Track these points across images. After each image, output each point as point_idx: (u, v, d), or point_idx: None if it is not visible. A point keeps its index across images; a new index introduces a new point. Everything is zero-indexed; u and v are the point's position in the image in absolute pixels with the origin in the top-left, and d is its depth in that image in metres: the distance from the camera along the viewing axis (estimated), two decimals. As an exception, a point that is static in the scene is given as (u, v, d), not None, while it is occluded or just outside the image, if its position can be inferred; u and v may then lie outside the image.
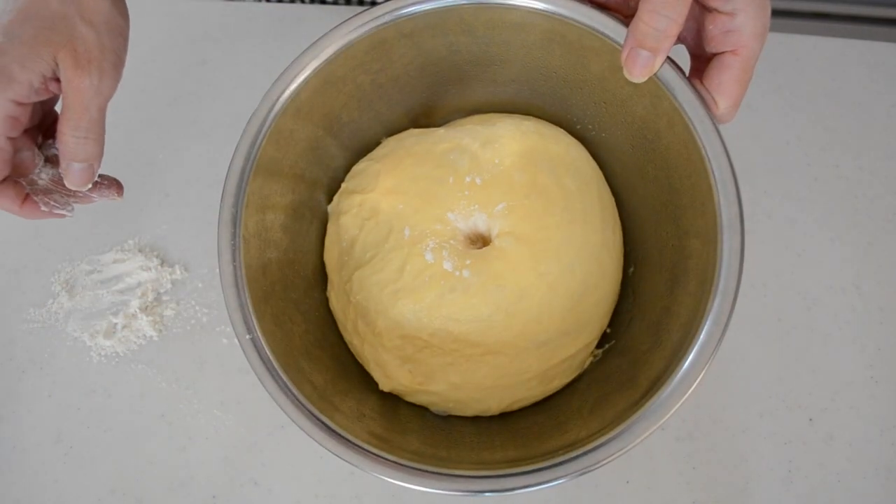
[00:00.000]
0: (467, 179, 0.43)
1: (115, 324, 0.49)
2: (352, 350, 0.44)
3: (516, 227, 0.42)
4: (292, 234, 0.43)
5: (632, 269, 0.45)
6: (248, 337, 0.36)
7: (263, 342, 0.36)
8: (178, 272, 0.51)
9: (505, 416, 0.43)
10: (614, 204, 0.46)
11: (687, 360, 0.34)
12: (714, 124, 0.36)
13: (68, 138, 0.38)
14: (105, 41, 0.39)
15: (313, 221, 0.45)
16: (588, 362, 0.43)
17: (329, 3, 0.66)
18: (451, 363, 0.41)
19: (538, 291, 0.41)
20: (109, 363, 0.48)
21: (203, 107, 0.58)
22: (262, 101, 0.41)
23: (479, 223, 0.43)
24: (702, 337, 0.34)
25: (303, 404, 0.35)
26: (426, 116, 0.49)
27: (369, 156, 0.47)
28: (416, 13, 0.42)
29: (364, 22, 0.43)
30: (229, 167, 0.40)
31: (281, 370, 0.36)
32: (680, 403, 0.33)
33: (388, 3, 0.42)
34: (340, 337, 0.44)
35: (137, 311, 0.49)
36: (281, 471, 0.44)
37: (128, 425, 0.46)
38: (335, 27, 0.43)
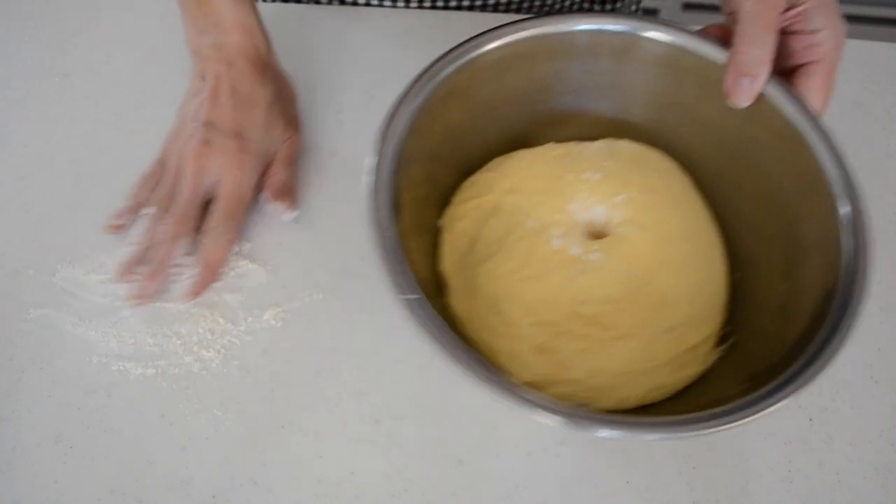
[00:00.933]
0: (584, 175, 0.45)
1: (115, 324, 0.49)
2: (481, 348, 0.43)
3: (637, 216, 0.44)
4: (405, 251, 0.42)
5: (738, 274, 0.46)
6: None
7: None
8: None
9: (639, 412, 0.43)
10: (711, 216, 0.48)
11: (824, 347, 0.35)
12: (818, 120, 0.39)
13: None
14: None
15: (422, 236, 0.45)
16: (713, 354, 0.44)
17: (329, 4, 0.66)
18: (585, 349, 0.41)
19: (662, 276, 0.42)
20: (109, 363, 0.48)
21: (203, 107, 0.58)
22: (388, 119, 0.42)
23: (599, 214, 0.45)
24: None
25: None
26: (524, 143, 0.50)
27: (482, 170, 0.49)
28: (536, 36, 0.44)
29: (502, 35, 0.44)
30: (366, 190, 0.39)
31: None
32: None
33: (532, 20, 0.44)
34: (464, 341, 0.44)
35: (139, 310, 0.49)
36: (281, 471, 0.44)
37: (128, 425, 0.46)
38: (477, 36, 0.44)
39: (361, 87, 0.60)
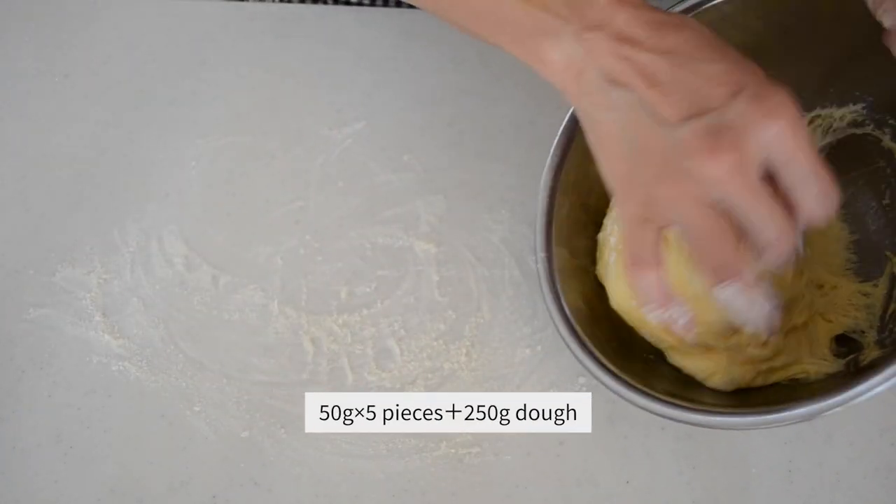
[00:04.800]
0: None
1: (115, 324, 0.49)
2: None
3: None
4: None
5: None
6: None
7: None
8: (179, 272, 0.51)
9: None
10: None
11: None
12: None
13: None
14: None
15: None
16: None
17: (329, 4, 0.66)
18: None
19: None
20: (109, 363, 0.48)
21: (203, 107, 0.58)
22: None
23: None
24: None
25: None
26: None
27: None
28: None
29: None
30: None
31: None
32: None
33: None
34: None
35: (139, 310, 0.49)
36: (281, 471, 0.44)
37: (128, 425, 0.46)
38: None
39: (361, 87, 0.60)
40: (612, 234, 0.44)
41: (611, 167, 0.34)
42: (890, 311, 0.43)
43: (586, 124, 0.35)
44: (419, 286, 0.51)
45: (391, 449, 0.45)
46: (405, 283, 0.51)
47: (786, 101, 0.29)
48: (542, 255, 0.44)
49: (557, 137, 0.46)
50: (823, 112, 0.46)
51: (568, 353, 0.42)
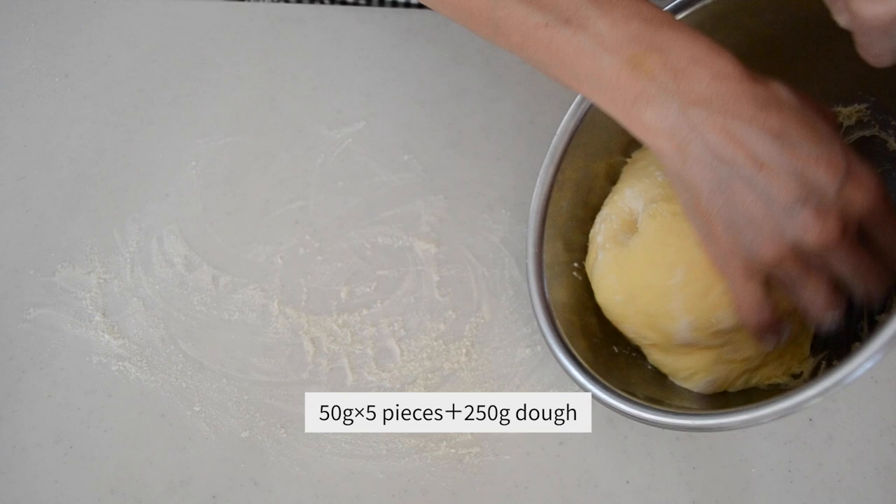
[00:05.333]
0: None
1: (116, 324, 0.49)
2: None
3: None
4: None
5: None
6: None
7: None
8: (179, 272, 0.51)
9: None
10: None
11: None
12: None
13: None
14: None
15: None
16: None
17: (329, 4, 0.66)
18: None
19: None
20: (109, 363, 0.48)
21: (203, 107, 0.58)
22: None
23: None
24: None
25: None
26: None
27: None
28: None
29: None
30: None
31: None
32: None
33: None
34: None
35: (139, 310, 0.49)
36: (281, 471, 0.44)
37: (128, 425, 0.46)
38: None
39: (361, 87, 0.60)
40: (600, 234, 0.45)
41: (710, 230, 0.37)
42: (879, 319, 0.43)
43: (685, 189, 0.37)
44: (419, 286, 0.51)
45: (391, 449, 0.45)
46: (405, 283, 0.51)
47: (875, 178, 0.35)
48: (532, 250, 0.46)
49: (557, 135, 0.46)
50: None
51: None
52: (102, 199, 0.54)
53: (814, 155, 0.34)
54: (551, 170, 0.46)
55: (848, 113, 0.45)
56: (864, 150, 0.45)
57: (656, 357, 0.45)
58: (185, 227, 0.53)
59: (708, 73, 0.34)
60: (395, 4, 0.66)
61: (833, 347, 0.43)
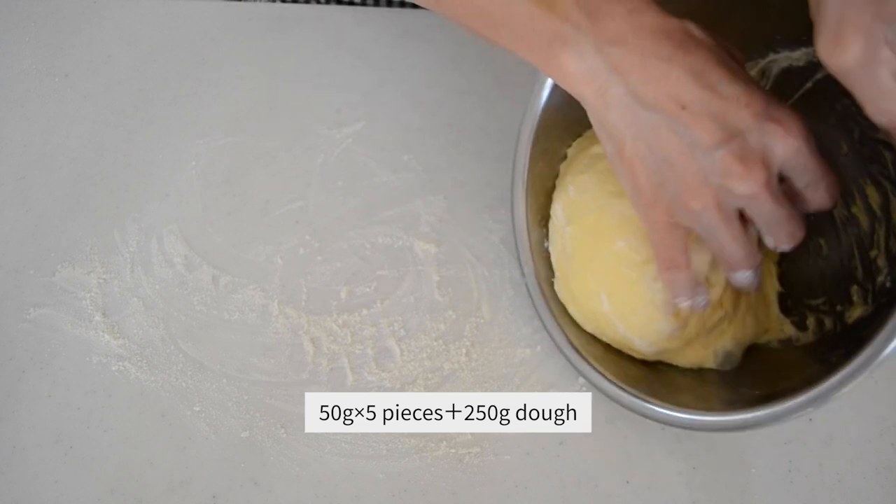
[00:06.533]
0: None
1: (116, 324, 0.49)
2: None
3: None
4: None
5: None
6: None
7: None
8: (179, 272, 0.51)
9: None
10: None
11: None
12: None
13: None
14: None
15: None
16: None
17: (329, 3, 0.66)
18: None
19: None
20: (109, 363, 0.48)
21: (203, 107, 0.58)
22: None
23: None
24: None
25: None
26: None
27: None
28: None
29: None
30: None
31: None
32: None
33: None
34: None
35: (139, 310, 0.49)
36: (281, 471, 0.44)
37: (128, 425, 0.46)
38: None
39: (361, 87, 0.60)
40: (553, 254, 0.47)
41: (634, 179, 0.36)
42: (873, 255, 0.43)
43: (608, 137, 0.36)
44: (419, 286, 0.51)
45: (391, 449, 0.45)
46: (405, 283, 0.51)
47: (798, 121, 0.33)
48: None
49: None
50: (779, 56, 0.46)
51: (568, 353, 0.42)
52: (102, 199, 0.54)
53: (734, 95, 0.32)
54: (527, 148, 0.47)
55: (797, 56, 0.45)
56: (823, 94, 0.45)
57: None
58: (185, 227, 0.53)
59: (622, 8, 0.33)
60: (390, 4, 0.66)
61: (832, 292, 0.44)
